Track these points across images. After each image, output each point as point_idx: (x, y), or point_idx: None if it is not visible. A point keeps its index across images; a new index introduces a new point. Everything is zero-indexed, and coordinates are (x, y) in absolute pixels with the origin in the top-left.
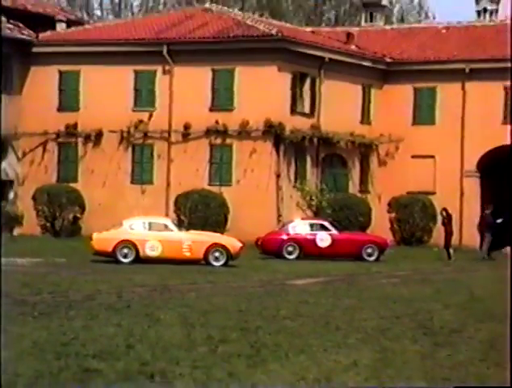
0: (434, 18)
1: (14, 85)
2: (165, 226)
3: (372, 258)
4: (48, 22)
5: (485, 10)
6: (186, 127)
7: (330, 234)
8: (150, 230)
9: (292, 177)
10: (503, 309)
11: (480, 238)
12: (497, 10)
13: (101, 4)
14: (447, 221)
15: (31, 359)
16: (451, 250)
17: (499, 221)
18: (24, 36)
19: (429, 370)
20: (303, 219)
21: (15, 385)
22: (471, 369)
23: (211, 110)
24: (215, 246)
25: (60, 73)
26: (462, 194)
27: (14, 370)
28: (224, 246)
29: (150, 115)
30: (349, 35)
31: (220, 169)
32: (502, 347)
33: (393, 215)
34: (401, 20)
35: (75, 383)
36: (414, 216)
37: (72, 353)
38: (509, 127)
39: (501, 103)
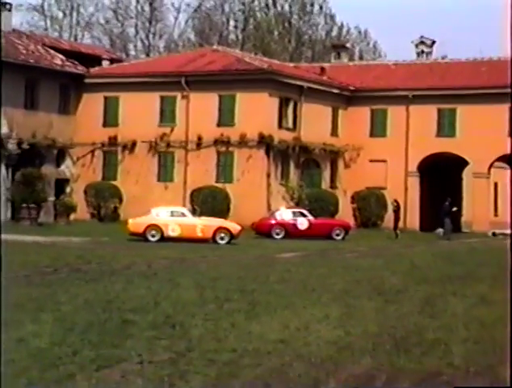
0: (385, 56)
1: (71, 107)
2: (183, 214)
3: (339, 237)
4: (96, 60)
5: (423, 51)
6: (199, 138)
7: (308, 220)
8: (171, 217)
9: (279, 176)
10: (436, 275)
11: (440, 223)
12: (431, 52)
13: (135, 46)
14: (396, 209)
15: (84, 312)
16: (398, 232)
17: (455, 209)
18: (78, 71)
19: (381, 320)
20: (287, 208)
21: (71, 330)
22: (411, 319)
23: (218, 125)
24: (220, 229)
25: (105, 98)
26: (406, 189)
27: (72, 320)
28: (227, 229)
29: (172, 130)
30: (322, 69)
31: (224, 170)
32: (437, 304)
33: (355, 205)
34: (361, 58)
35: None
36: (371, 205)
37: (114, 308)
38: (441, 139)
39: (435, 121)
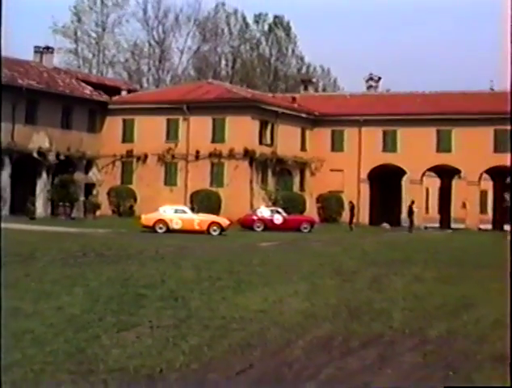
0: (343, 89)
1: (97, 127)
2: (184, 211)
3: (307, 230)
4: (116, 90)
5: (371, 85)
6: (197, 152)
7: (282, 216)
8: (175, 213)
9: (260, 182)
10: (382, 259)
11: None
12: (378, 86)
13: (147, 79)
14: (351, 208)
15: (106, 288)
16: (353, 226)
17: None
18: (103, 99)
19: (339, 295)
20: (266, 207)
21: (97, 301)
22: (362, 294)
23: (211, 142)
24: (213, 223)
25: (124, 120)
26: (359, 192)
27: (98, 293)
28: (219, 223)
29: (176, 145)
30: (293, 98)
31: (217, 177)
32: (382, 282)
33: (319, 204)
34: (323, 90)
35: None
36: (331, 205)
37: (130, 284)
38: (385, 154)
39: (380, 139)
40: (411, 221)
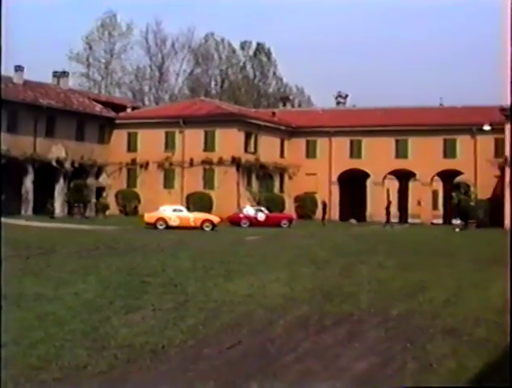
0: (315, 105)
1: (106, 139)
2: (181, 210)
3: (286, 226)
4: (122, 107)
5: (339, 102)
6: (191, 160)
7: (265, 214)
8: (173, 212)
9: (245, 185)
10: (350, 250)
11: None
12: (345, 102)
13: (149, 98)
14: (324, 206)
15: (116, 276)
16: (325, 222)
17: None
18: (111, 115)
19: (314, 281)
20: (251, 206)
21: (108, 288)
22: (334, 280)
23: (204, 151)
24: (206, 221)
25: (129, 133)
26: (330, 193)
27: (108, 281)
28: (211, 221)
29: (173, 154)
30: (273, 113)
31: (209, 181)
32: (351, 269)
33: (296, 204)
34: (299, 106)
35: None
36: (307, 204)
37: (135, 273)
38: (352, 160)
39: (348, 148)
40: (388, 218)
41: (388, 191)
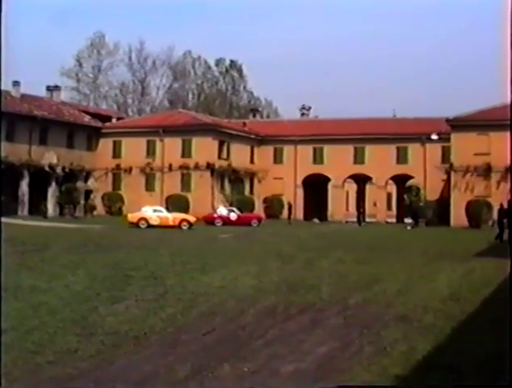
0: (282, 116)
1: (93, 147)
2: (161, 211)
3: (255, 225)
4: (108, 118)
5: (304, 113)
6: (170, 165)
7: (236, 214)
8: (154, 212)
9: (219, 188)
10: (313, 246)
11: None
12: (309, 114)
13: (132, 109)
14: (289, 207)
15: (102, 270)
16: (291, 221)
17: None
18: (98, 125)
19: (280, 274)
20: (224, 207)
21: (95, 280)
22: (298, 273)
23: (181, 157)
24: (184, 220)
25: (114, 141)
26: (295, 195)
27: (95, 274)
28: (188, 220)
29: (153, 160)
30: (244, 123)
31: (186, 184)
32: (314, 263)
33: (265, 205)
34: (267, 117)
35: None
36: (274, 205)
37: (120, 267)
38: (315, 165)
39: (311, 155)
40: (358, 217)
41: (347, 193)
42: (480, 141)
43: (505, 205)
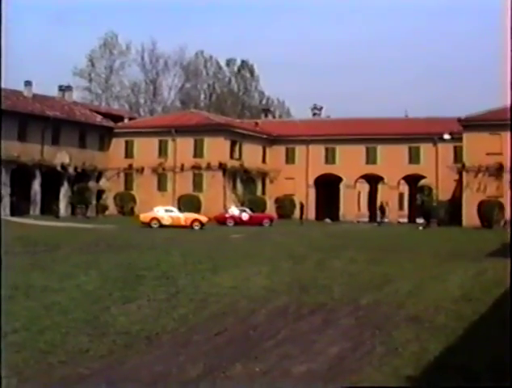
0: (294, 116)
1: (106, 147)
2: (173, 211)
3: (267, 225)
4: (120, 118)
5: (315, 113)
6: (182, 165)
7: (248, 214)
8: (166, 212)
9: (231, 188)
10: (325, 246)
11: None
12: (320, 113)
13: (144, 109)
14: (301, 207)
15: (114, 270)
16: (303, 221)
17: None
18: (110, 125)
19: (292, 274)
20: (235, 207)
21: (107, 280)
22: (310, 273)
23: (193, 157)
24: (195, 220)
25: (126, 141)
26: (307, 195)
27: (108, 274)
28: (199, 220)
29: (166, 160)
30: (256, 123)
31: (198, 184)
32: (325, 264)
33: (277, 205)
34: (280, 117)
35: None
36: (286, 205)
37: (132, 267)
38: (327, 165)
39: (323, 154)
40: (381, 217)
41: (359, 193)
42: (492, 140)
43: None
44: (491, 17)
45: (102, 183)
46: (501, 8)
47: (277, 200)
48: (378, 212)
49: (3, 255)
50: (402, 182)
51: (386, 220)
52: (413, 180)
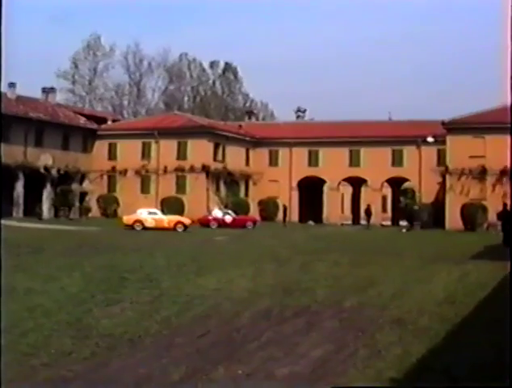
0: (278, 118)
1: (89, 149)
2: (156, 213)
3: (250, 227)
4: (104, 120)
5: (299, 116)
6: (165, 167)
7: (232, 216)
8: (149, 215)
9: (214, 190)
10: (309, 249)
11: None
12: (304, 116)
13: (127, 111)
14: (284, 210)
15: (97, 272)
16: (286, 223)
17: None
18: (94, 127)
19: (276, 276)
20: (219, 209)
21: (90, 283)
22: (294, 276)
23: (177, 159)
24: (179, 222)
25: (109, 143)
26: (290, 198)
27: (91, 277)
28: (183, 222)
29: (149, 162)
30: (240, 126)
31: (181, 186)
32: (309, 266)
33: (260, 207)
34: (263, 119)
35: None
36: (269, 207)
37: (115, 270)
38: (311, 168)
39: (306, 157)
40: (368, 220)
41: (342, 195)
42: (476, 143)
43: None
44: (477, 20)
45: (86, 185)
46: (489, 10)
47: (260, 203)
48: (364, 216)
49: None
50: (385, 184)
51: (362, 223)
52: (396, 183)
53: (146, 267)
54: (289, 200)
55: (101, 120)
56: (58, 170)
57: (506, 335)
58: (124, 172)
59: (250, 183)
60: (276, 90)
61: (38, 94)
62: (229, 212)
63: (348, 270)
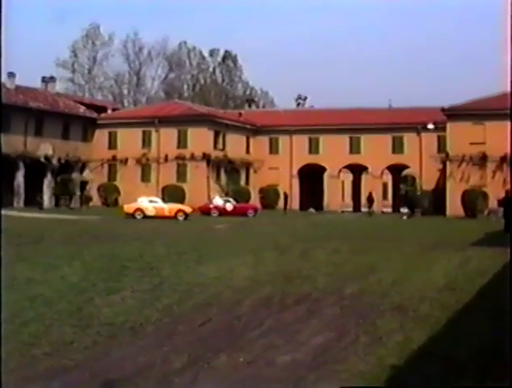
0: (278, 106)
1: (89, 138)
2: (157, 201)
3: (251, 215)
4: (104, 109)
5: (299, 103)
6: (166, 156)
7: (232, 204)
8: (150, 203)
9: (215, 178)
10: (309, 236)
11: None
12: (304, 104)
13: (128, 100)
14: (285, 197)
15: (98, 261)
16: (287, 211)
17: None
18: (94, 116)
19: (277, 264)
20: (219, 197)
21: (91, 272)
22: (294, 263)
23: (177, 148)
24: (179, 211)
25: (109, 132)
26: (291, 185)
27: (91, 266)
28: (183, 211)
29: (149, 151)
30: (240, 114)
31: (182, 175)
32: (309, 254)
33: (261, 195)
34: (263, 107)
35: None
36: (270, 195)
37: (116, 258)
38: (311, 155)
39: (307, 145)
40: (370, 207)
41: (342, 183)
42: (476, 130)
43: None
44: (477, 9)
45: (86, 174)
46: (484, 4)
47: (261, 191)
48: (366, 203)
49: None
50: (386, 171)
51: (362, 210)
52: (396, 170)
53: (147, 255)
54: (290, 188)
55: (101, 109)
56: (58, 160)
57: (506, 323)
58: (125, 161)
59: (251, 171)
60: (276, 77)
61: (37, 84)
62: (230, 200)
63: (349, 257)
